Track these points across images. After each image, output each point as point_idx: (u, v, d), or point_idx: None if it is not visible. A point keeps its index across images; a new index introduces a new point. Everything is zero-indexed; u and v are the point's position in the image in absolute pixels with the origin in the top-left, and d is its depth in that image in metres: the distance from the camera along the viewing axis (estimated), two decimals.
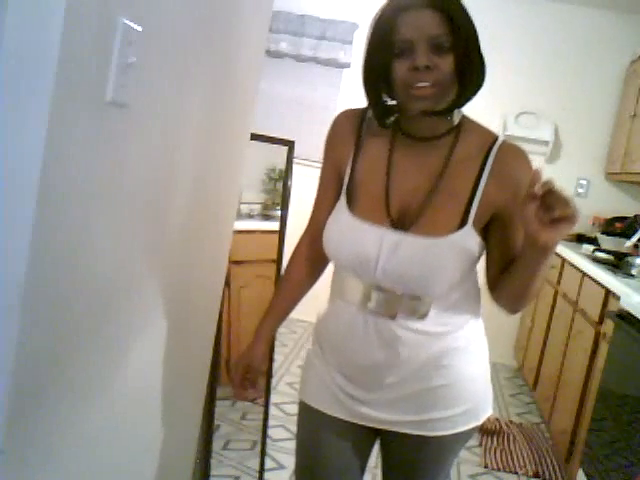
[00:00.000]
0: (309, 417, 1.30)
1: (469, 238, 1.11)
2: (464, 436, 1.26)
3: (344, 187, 1.20)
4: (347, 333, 1.21)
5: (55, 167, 0.82)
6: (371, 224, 1.14)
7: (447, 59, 1.05)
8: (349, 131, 1.23)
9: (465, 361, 1.22)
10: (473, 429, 1.26)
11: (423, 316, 1.15)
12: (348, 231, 1.16)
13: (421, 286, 1.13)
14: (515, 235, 1.14)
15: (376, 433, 1.29)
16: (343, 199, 1.19)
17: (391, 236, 1.12)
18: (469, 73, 1.08)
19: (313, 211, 1.31)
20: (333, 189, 1.24)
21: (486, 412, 1.28)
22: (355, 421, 1.25)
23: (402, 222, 1.13)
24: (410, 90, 1.07)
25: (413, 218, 1.12)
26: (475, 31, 1.09)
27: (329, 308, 1.28)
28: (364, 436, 1.29)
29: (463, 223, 1.11)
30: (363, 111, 1.23)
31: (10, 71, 0.77)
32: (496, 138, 1.15)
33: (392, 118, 1.18)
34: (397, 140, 1.18)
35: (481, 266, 1.22)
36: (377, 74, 1.11)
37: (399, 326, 1.15)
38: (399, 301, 1.14)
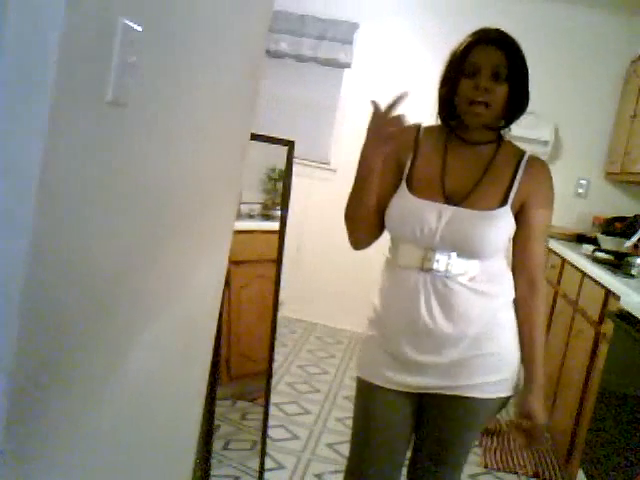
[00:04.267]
0: (366, 390, 1.54)
1: (507, 216, 1.45)
2: (499, 403, 1.51)
3: (404, 177, 1.50)
4: (411, 294, 1.44)
5: (55, 167, 0.82)
6: (429, 201, 1.44)
7: (502, 87, 1.40)
8: (408, 140, 1.52)
9: (508, 336, 1.50)
10: (508, 397, 1.52)
11: (472, 276, 1.43)
12: (411, 207, 1.46)
13: (470, 249, 1.42)
14: (530, 219, 1.48)
15: (422, 396, 1.52)
16: (404, 184, 1.49)
17: (448, 209, 1.43)
18: (517, 103, 1.45)
19: None
20: (389, 178, 1.50)
21: (519, 384, 1.53)
22: (405, 389, 1.49)
23: (454, 200, 1.45)
24: (469, 104, 1.41)
25: (463, 198, 1.45)
26: (527, 71, 1.45)
27: (389, 280, 1.52)
28: (411, 400, 1.52)
29: (503, 204, 1.45)
30: (417, 127, 1.54)
31: (10, 71, 0.77)
32: (525, 151, 1.52)
33: (453, 122, 1.51)
34: (450, 143, 1.51)
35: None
36: (449, 87, 1.46)
37: (454, 282, 1.42)
38: (453, 262, 1.42)
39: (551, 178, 1.52)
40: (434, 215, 1.43)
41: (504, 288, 1.50)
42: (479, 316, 1.44)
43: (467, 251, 1.42)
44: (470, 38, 1.46)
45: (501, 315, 1.49)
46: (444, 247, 1.42)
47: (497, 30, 1.45)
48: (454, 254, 1.42)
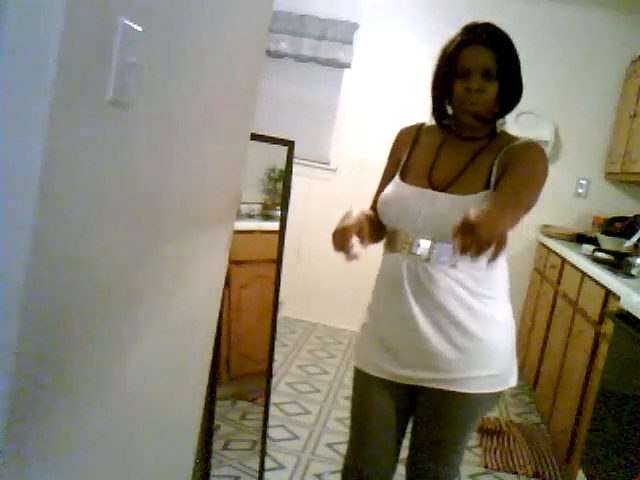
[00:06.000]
0: (360, 379, 1.58)
1: (488, 200, 1.39)
2: (489, 398, 1.50)
3: (399, 169, 1.57)
4: (396, 280, 1.47)
5: (55, 167, 0.82)
6: (415, 187, 1.49)
7: (494, 85, 1.43)
8: (409, 137, 1.62)
9: (496, 331, 1.47)
10: (498, 393, 1.50)
11: (454, 264, 1.42)
12: (397, 191, 1.52)
13: (449, 234, 1.33)
14: (504, 178, 1.41)
15: (414, 390, 1.54)
16: (397, 175, 1.55)
17: (430, 193, 1.46)
18: (509, 96, 1.47)
19: (375, 194, 1.63)
20: (390, 176, 1.58)
21: (512, 380, 1.53)
22: (395, 380, 1.51)
23: (439, 188, 1.47)
24: (463, 104, 1.45)
25: (447, 185, 1.46)
26: (519, 66, 1.47)
27: (382, 266, 1.55)
28: (403, 391, 1.54)
29: (485, 188, 1.43)
30: (418, 126, 1.63)
31: (10, 71, 0.77)
32: (518, 138, 1.50)
33: (446, 121, 1.56)
34: (448, 139, 1.56)
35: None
36: (442, 88, 1.50)
37: (434, 268, 1.43)
38: (435, 247, 1.43)
39: (534, 153, 1.45)
40: (417, 199, 1.46)
41: (490, 282, 1.47)
42: (460, 307, 1.43)
43: (447, 236, 1.35)
44: (459, 37, 1.46)
45: (487, 309, 1.45)
46: (427, 232, 1.43)
47: (486, 26, 1.45)
48: (437, 240, 1.42)
